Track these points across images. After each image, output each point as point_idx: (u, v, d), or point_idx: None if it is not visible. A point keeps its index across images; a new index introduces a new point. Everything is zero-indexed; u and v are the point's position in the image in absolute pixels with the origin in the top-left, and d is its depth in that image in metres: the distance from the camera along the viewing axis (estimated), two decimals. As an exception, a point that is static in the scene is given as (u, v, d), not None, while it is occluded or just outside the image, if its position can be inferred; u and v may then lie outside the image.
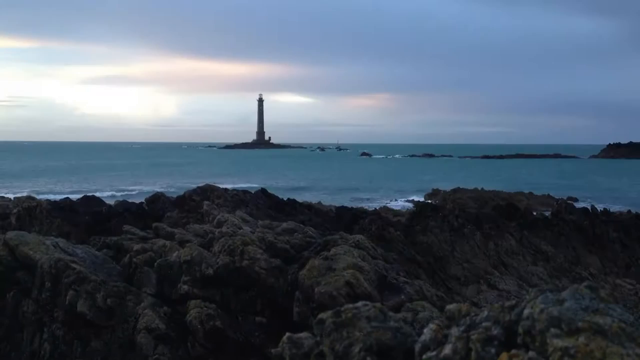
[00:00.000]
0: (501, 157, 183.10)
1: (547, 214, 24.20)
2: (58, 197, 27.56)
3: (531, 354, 2.04)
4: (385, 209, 41.96)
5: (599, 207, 25.23)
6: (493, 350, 2.17)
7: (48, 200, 23.41)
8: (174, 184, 71.12)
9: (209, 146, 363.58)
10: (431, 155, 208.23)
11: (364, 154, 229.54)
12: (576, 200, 50.83)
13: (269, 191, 23.63)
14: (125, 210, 19.81)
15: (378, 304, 2.61)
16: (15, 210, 20.46)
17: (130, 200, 24.99)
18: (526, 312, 2.17)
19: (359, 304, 2.59)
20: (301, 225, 14.49)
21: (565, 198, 39.44)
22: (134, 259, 11.10)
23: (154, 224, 14.48)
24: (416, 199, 54.53)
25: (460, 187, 52.41)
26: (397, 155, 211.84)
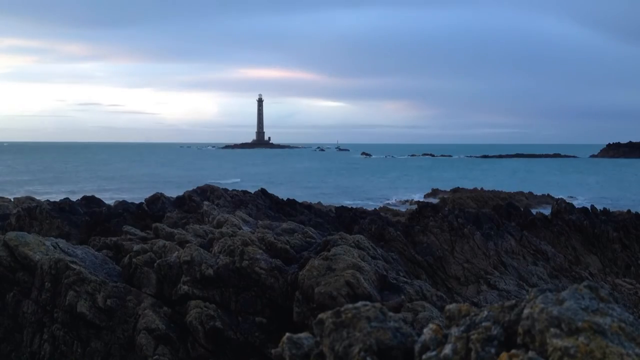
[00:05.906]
0: (500, 156, 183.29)
1: (547, 213, 24.18)
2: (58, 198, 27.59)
3: (531, 354, 2.04)
4: (385, 209, 41.99)
5: (599, 206, 25.20)
6: (493, 350, 2.17)
7: (48, 201, 23.41)
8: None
9: (209, 146, 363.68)
10: (431, 155, 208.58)
11: (364, 153, 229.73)
12: (576, 199, 50.88)
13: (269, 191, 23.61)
14: (125, 211, 19.79)
15: (378, 304, 2.61)
16: (15, 211, 20.47)
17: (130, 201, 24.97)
18: (526, 312, 2.17)
19: (359, 304, 2.59)
20: (301, 225, 14.50)
21: (565, 198, 39.41)
22: (134, 260, 11.09)
23: (154, 225, 14.47)
24: (416, 199, 54.54)
25: (460, 187, 52.43)
26: (395, 156, 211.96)
